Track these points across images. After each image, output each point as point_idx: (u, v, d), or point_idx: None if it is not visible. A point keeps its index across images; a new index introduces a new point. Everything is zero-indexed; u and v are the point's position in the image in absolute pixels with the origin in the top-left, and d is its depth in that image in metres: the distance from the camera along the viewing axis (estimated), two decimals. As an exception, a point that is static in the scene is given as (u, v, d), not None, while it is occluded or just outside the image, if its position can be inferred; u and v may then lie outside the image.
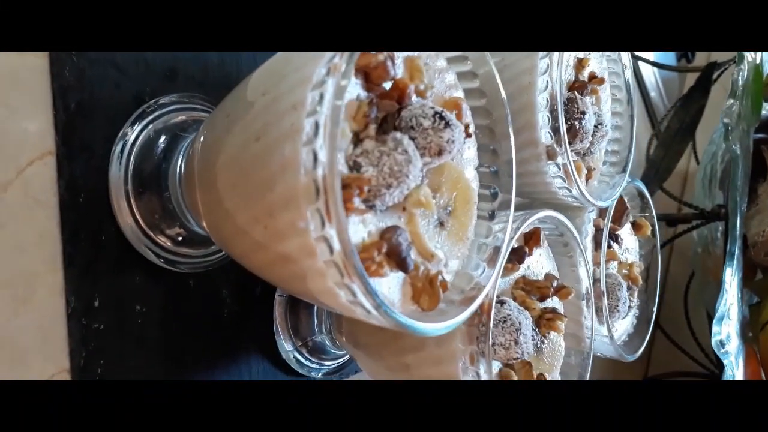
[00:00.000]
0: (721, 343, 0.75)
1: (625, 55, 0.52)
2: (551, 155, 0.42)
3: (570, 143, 0.43)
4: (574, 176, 0.43)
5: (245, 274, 0.34)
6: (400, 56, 0.31)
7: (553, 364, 0.44)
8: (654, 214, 0.64)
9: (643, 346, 0.61)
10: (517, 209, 0.36)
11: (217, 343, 0.44)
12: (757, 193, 0.87)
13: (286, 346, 0.49)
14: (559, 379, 0.46)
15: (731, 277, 0.76)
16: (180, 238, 0.41)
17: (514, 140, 0.35)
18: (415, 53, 0.31)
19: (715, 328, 0.75)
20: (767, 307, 0.87)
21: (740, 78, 0.78)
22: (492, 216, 0.35)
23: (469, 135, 0.34)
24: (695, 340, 1.05)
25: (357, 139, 0.28)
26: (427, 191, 0.31)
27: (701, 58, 1.22)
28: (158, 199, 0.39)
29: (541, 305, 0.43)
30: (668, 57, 1.21)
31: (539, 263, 0.45)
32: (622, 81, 0.52)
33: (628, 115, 0.52)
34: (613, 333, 0.55)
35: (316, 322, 0.51)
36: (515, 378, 0.40)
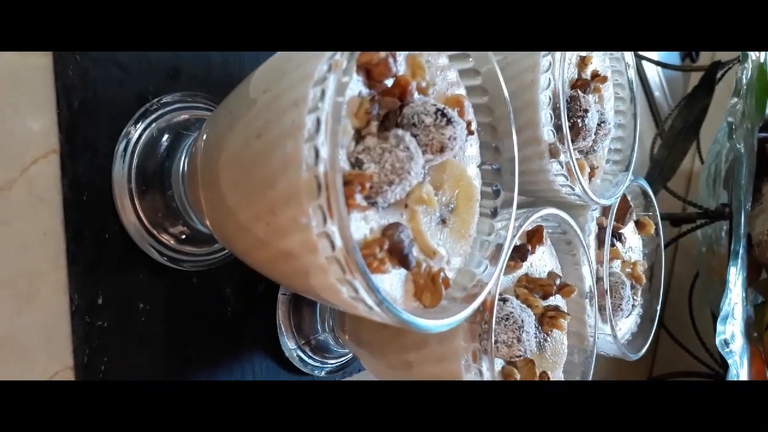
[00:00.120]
0: (726, 343, 0.74)
1: (628, 54, 0.52)
2: (554, 153, 0.42)
3: (573, 141, 0.43)
4: (576, 174, 0.42)
5: (248, 273, 0.34)
6: (401, 53, 0.31)
7: (556, 362, 0.44)
8: (658, 213, 0.64)
9: (647, 345, 0.61)
10: (519, 207, 0.36)
11: (220, 341, 0.44)
12: (762, 192, 0.87)
13: (289, 345, 0.50)
14: (562, 377, 0.46)
15: (735, 277, 0.76)
16: (183, 237, 0.41)
17: (516, 138, 0.35)
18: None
19: (719, 328, 0.74)
20: (772, 307, 0.87)
21: (744, 77, 0.77)
22: (494, 213, 0.35)
23: (471, 132, 0.34)
24: (700, 340, 1.05)
25: (359, 136, 0.28)
26: (429, 188, 0.31)
27: (705, 58, 1.21)
28: (161, 198, 0.39)
29: (544, 303, 0.43)
30: (672, 56, 1.21)
31: (542, 261, 0.45)
32: (625, 79, 0.52)
33: (631, 113, 0.52)
34: (616, 332, 0.55)
35: (319, 320, 0.51)
36: (518, 376, 0.40)
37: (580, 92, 0.45)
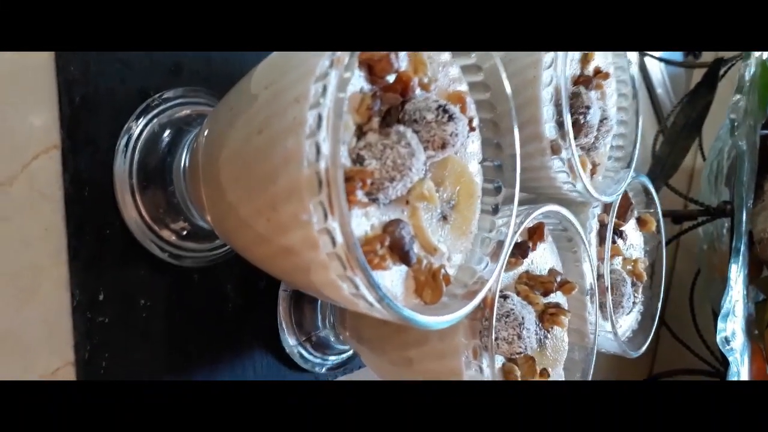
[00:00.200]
0: (726, 340, 0.74)
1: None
2: (555, 150, 0.42)
3: (575, 138, 0.43)
4: (578, 171, 0.42)
5: (249, 269, 0.34)
6: (403, 49, 0.31)
7: (557, 360, 0.44)
8: (659, 210, 0.64)
9: (647, 342, 0.61)
10: (520, 204, 0.36)
11: (221, 337, 0.44)
12: (764, 190, 0.87)
13: (290, 341, 0.50)
14: (563, 374, 0.46)
15: (737, 274, 0.76)
16: (184, 232, 0.41)
17: (518, 134, 0.35)
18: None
19: (720, 325, 0.74)
20: (773, 305, 0.87)
21: (747, 73, 0.77)
22: (495, 210, 0.35)
23: (472, 129, 0.34)
24: (701, 338, 1.05)
25: (360, 132, 0.28)
26: (430, 185, 0.31)
27: (708, 54, 1.21)
28: (163, 193, 0.39)
29: (545, 300, 0.43)
30: (675, 53, 1.20)
31: (543, 258, 0.45)
32: (627, 76, 0.52)
33: (634, 110, 0.52)
34: (617, 329, 0.55)
35: (320, 317, 0.51)
36: (518, 372, 0.40)
37: (582, 89, 0.44)
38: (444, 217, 0.33)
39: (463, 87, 0.35)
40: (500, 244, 0.34)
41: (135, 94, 0.39)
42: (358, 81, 0.29)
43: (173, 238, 0.40)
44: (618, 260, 0.59)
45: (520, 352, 0.39)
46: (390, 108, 0.29)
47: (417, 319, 0.28)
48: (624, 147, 0.52)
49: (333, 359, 0.54)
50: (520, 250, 0.42)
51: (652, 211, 0.64)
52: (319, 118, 0.25)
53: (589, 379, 0.47)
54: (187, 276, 0.42)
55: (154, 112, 0.39)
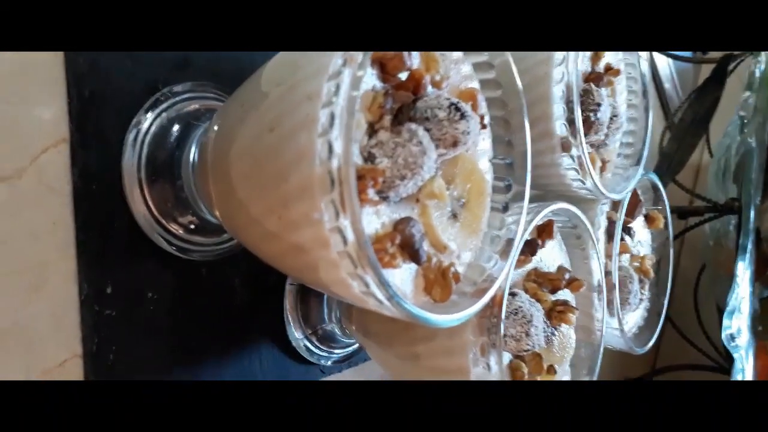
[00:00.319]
0: (732, 337, 0.74)
1: (641, 47, 0.51)
2: (566, 147, 0.41)
3: (585, 135, 0.42)
4: (588, 168, 0.42)
5: (257, 263, 0.34)
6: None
7: (564, 357, 0.44)
8: (668, 207, 0.63)
9: (653, 339, 0.61)
10: (530, 201, 0.36)
11: (227, 330, 0.44)
12: (772, 187, 0.87)
13: (297, 335, 0.50)
14: (569, 371, 0.46)
15: (743, 271, 0.76)
16: (192, 227, 0.41)
17: (529, 132, 0.35)
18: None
19: (725, 322, 0.74)
20: (779, 302, 0.87)
21: (757, 70, 0.77)
22: (505, 208, 0.35)
23: (484, 126, 0.34)
24: (704, 333, 1.05)
25: (372, 130, 0.28)
26: (440, 183, 0.30)
27: (717, 50, 1.20)
28: (171, 188, 0.39)
29: (553, 297, 0.43)
30: (683, 48, 1.19)
31: (551, 255, 0.45)
32: (637, 72, 0.51)
33: (643, 107, 0.52)
34: (623, 325, 0.55)
35: (326, 310, 0.51)
36: (525, 370, 0.40)
37: (593, 86, 0.44)
38: (454, 215, 0.33)
39: (475, 84, 0.35)
40: (510, 242, 0.34)
41: (143, 88, 0.38)
42: (370, 79, 0.28)
43: (181, 232, 0.40)
44: (626, 257, 0.59)
45: (528, 350, 0.39)
46: (402, 106, 0.29)
47: (427, 317, 0.28)
48: (633, 144, 0.52)
49: (339, 353, 0.54)
50: (529, 248, 0.42)
51: (659, 208, 0.63)
52: (332, 116, 0.24)
53: (596, 375, 0.47)
54: (195, 270, 0.42)
55: (163, 106, 0.39)
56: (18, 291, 0.33)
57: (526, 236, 0.40)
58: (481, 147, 0.35)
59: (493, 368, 0.37)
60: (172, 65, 0.40)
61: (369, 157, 0.27)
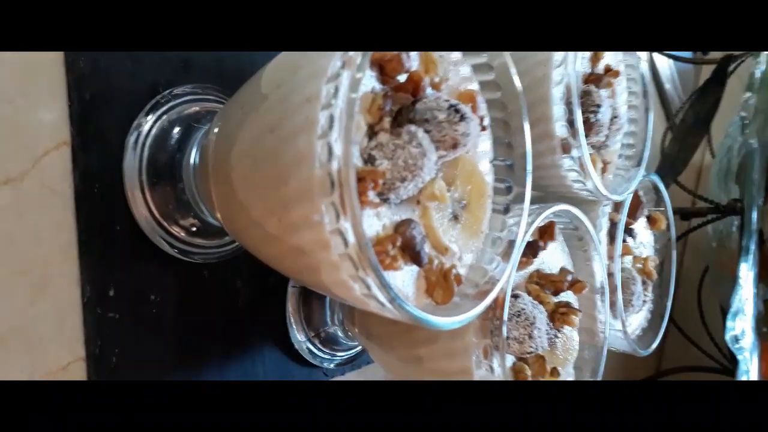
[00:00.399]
0: (736, 339, 0.74)
1: (642, 48, 0.51)
2: (566, 148, 0.41)
3: (585, 136, 0.42)
4: (589, 170, 0.42)
5: (259, 265, 0.34)
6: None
7: (567, 359, 0.43)
8: (670, 208, 0.63)
9: (657, 341, 0.61)
10: (531, 203, 0.36)
11: (230, 333, 0.44)
12: (774, 188, 0.86)
13: (299, 337, 0.50)
14: (573, 373, 0.46)
15: (747, 272, 0.76)
16: (194, 229, 0.41)
17: (529, 133, 0.35)
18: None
19: (729, 324, 0.74)
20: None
21: (757, 71, 0.77)
22: (506, 210, 0.35)
23: (483, 128, 0.34)
24: (708, 334, 1.05)
25: (372, 132, 0.28)
26: (441, 184, 0.30)
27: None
28: (172, 190, 0.39)
29: (555, 299, 0.43)
30: (684, 48, 1.19)
31: (554, 257, 0.45)
32: (637, 73, 0.51)
33: (644, 108, 0.51)
34: (627, 327, 0.54)
35: (328, 313, 0.51)
36: (528, 372, 0.40)
37: (593, 87, 0.44)
38: (455, 217, 0.33)
39: (474, 86, 0.35)
40: (511, 243, 0.34)
41: (144, 90, 0.39)
42: (370, 81, 0.28)
43: (183, 234, 0.40)
44: (628, 259, 0.59)
45: (531, 352, 0.39)
46: (401, 108, 0.29)
47: (429, 319, 0.28)
48: (634, 145, 0.51)
49: (341, 355, 0.54)
50: (531, 250, 0.42)
51: (662, 209, 0.63)
52: (331, 118, 0.24)
53: (600, 377, 0.47)
54: (197, 272, 0.42)
55: (164, 108, 0.39)
56: (21, 293, 0.33)
57: (528, 238, 0.40)
58: (481, 149, 0.35)
59: (496, 371, 0.36)
60: (173, 67, 0.40)
61: (369, 159, 0.27)
